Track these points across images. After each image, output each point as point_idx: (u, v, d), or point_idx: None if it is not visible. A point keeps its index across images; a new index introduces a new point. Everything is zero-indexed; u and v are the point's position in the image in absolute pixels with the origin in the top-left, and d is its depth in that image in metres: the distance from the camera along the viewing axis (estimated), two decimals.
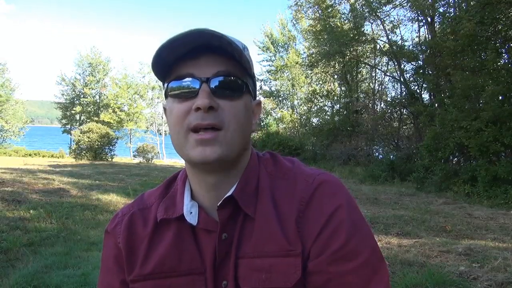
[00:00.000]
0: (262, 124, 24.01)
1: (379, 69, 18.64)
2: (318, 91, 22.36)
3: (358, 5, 15.98)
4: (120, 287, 0.76)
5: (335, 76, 21.21)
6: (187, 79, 0.69)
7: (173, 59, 0.69)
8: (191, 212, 0.74)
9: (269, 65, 25.52)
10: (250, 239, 0.71)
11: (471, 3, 10.39)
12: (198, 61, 0.69)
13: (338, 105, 21.56)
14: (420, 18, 14.55)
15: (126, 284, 0.75)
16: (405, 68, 15.20)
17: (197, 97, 0.67)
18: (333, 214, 0.69)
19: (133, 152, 26.27)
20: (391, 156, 13.96)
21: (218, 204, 0.71)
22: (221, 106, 0.68)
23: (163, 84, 0.74)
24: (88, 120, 29.43)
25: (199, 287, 0.71)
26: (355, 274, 0.66)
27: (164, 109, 0.78)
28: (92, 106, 32.61)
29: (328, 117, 21.17)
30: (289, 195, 0.73)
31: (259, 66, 25.75)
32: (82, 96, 32.34)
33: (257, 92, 0.81)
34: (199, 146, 0.68)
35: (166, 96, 0.73)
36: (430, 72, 13.27)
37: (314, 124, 22.18)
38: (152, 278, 0.72)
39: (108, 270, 0.78)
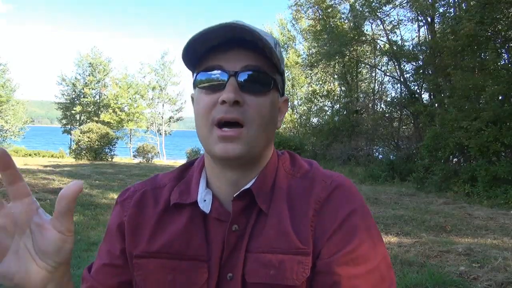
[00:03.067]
0: None
1: (379, 69, 18.64)
2: (318, 91, 22.35)
3: (358, 5, 15.97)
4: (120, 255, 0.77)
5: (335, 76, 21.21)
6: (215, 71, 0.69)
7: (203, 50, 0.69)
8: (204, 200, 0.75)
9: None
10: (262, 234, 0.71)
11: (471, 3, 10.39)
12: (228, 54, 0.69)
13: (338, 105, 21.55)
14: (420, 18, 14.56)
15: (125, 253, 0.76)
16: (405, 68, 15.21)
17: (224, 90, 0.67)
18: (348, 218, 0.69)
19: (133, 152, 26.25)
20: (391, 156, 13.96)
21: (234, 195, 0.72)
22: (246, 101, 0.69)
23: (192, 74, 0.75)
24: (88, 120, 29.42)
25: (201, 274, 0.71)
26: (363, 279, 0.66)
27: (192, 98, 0.79)
28: (92, 106, 32.61)
29: (328, 117, 21.17)
30: (305, 195, 0.73)
31: None
32: (82, 96, 32.35)
33: (284, 90, 0.81)
34: (221, 143, 0.68)
35: (195, 86, 0.74)
36: (430, 72, 13.28)
37: (314, 124, 22.19)
38: (157, 257, 0.73)
39: (112, 237, 0.79)
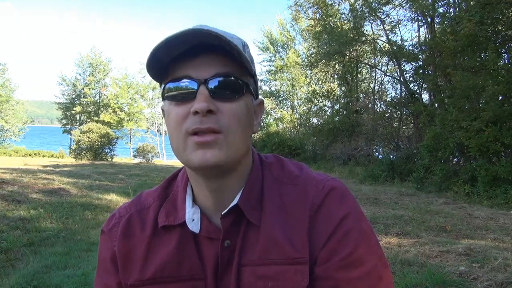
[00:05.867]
0: (262, 124, 24.03)
1: (379, 69, 18.62)
2: (318, 91, 22.36)
3: (358, 5, 15.97)
4: None
5: (335, 76, 21.20)
6: (184, 80, 0.66)
7: (169, 59, 0.66)
8: (193, 219, 0.72)
9: (269, 65, 25.58)
10: (255, 246, 0.69)
11: (471, 3, 10.38)
12: (196, 61, 0.66)
13: (338, 105, 21.56)
14: (420, 18, 14.55)
15: (121, 285, 0.75)
16: (405, 68, 15.18)
17: (195, 100, 0.64)
18: (342, 221, 0.69)
19: (133, 152, 26.26)
20: (391, 156, 13.94)
21: (222, 213, 0.70)
22: (220, 109, 0.65)
23: (160, 85, 0.72)
24: (88, 120, 29.45)
25: None
26: (362, 281, 0.67)
27: (162, 110, 0.76)
28: (92, 106, 32.64)
29: (328, 117, 21.17)
30: (299, 201, 0.72)
31: (259, 66, 25.80)
32: (82, 96, 32.38)
33: (258, 92, 0.79)
34: (199, 149, 0.65)
35: (163, 98, 0.70)
36: (430, 72, 13.27)
37: (314, 124, 22.20)
38: (152, 283, 0.71)
39: (105, 271, 0.77)
